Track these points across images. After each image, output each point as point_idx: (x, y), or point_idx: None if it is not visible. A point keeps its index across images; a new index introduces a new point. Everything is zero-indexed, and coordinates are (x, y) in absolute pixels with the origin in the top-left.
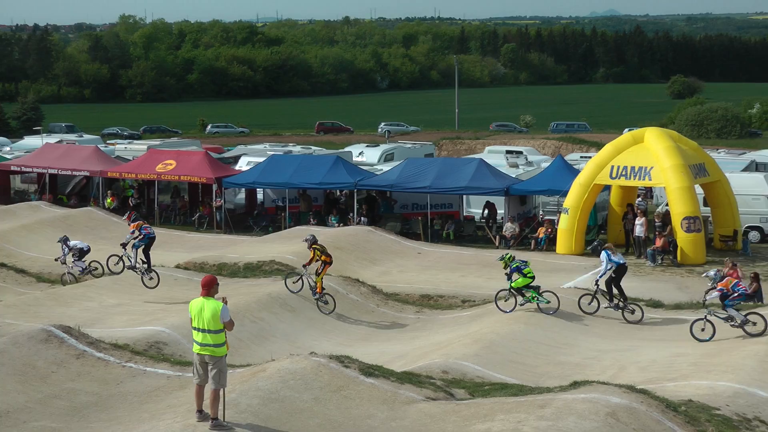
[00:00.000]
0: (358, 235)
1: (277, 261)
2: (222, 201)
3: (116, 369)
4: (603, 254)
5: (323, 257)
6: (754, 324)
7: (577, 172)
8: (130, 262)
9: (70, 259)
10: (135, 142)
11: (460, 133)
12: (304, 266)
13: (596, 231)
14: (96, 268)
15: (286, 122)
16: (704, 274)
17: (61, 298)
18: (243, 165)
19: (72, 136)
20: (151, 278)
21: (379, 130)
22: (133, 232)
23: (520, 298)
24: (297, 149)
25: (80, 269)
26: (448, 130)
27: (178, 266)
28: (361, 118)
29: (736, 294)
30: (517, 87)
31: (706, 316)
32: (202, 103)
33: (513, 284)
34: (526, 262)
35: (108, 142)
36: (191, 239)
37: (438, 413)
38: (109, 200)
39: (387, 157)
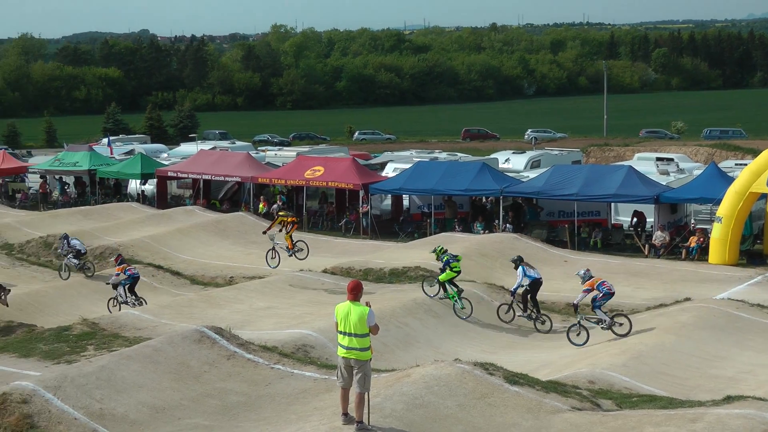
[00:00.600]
0: (503, 242)
1: (423, 267)
2: (368, 207)
3: (265, 370)
4: (519, 269)
5: (290, 218)
6: (621, 325)
7: (731, 179)
8: (123, 298)
9: (69, 255)
10: (284, 148)
11: (609, 139)
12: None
13: (751, 241)
14: (89, 269)
15: (433, 129)
16: (576, 273)
17: (213, 300)
18: (389, 171)
19: (225, 143)
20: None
21: (526, 136)
22: (118, 274)
23: (442, 292)
24: (443, 156)
25: (75, 264)
26: (596, 137)
27: (325, 271)
28: (507, 125)
29: (601, 294)
30: (668, 92)
31: (579, 322)
32: (349, 110)
33: (440, 277)
34: (456, 257)
35: (259, 148)
36: (338, 244)
37: (584, 424)
38: (261, 206)
39: (533, 164)
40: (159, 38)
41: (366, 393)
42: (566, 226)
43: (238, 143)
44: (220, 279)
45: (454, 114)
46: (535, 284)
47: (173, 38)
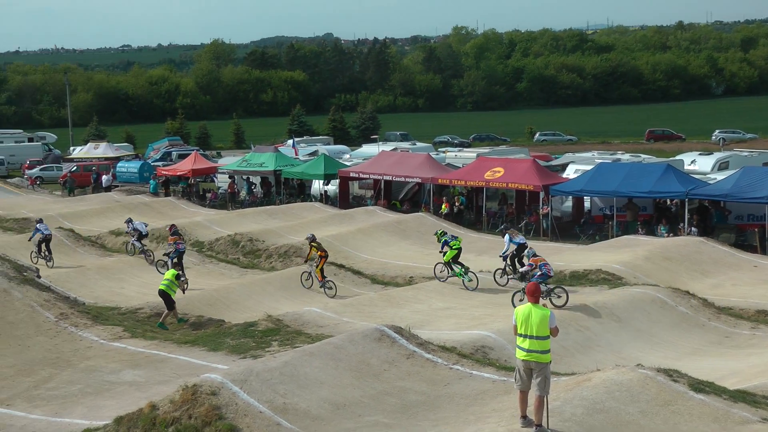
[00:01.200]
0: (688, 246)
1: (604, 270)
2: (549, 208)
3: (444, 370)
4: (506, 237)
5: (319, 252)
6: (559, 297)
7: None
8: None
9: (133, 237)
10: (465, 150)
11: None
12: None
13: None
14: (149, 254)
15: (615, 130)
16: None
17: (393, 300)
18: (570, 173)
19: (406, 144)
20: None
21: (713, 137)
22: (170, 244)
23: (449, 271)
24: (626, 157)
25: (138, 246)
26: None
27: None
28: (693, 126)
29: (539, 272)
30: None
31: (522, 289)
32: (530, 111)
33: (444, 258)
34: (456, 237)
35: (439, 149)
36: None
37: None
38: (443, 206)
39: (721, 166)
40: (342, 41)
41: (545, 396)
42: (756, 230)
43: (419, 144)
44: (399, 279)
45: (638, 114)
46: (521, 248)
47: (356, 41)
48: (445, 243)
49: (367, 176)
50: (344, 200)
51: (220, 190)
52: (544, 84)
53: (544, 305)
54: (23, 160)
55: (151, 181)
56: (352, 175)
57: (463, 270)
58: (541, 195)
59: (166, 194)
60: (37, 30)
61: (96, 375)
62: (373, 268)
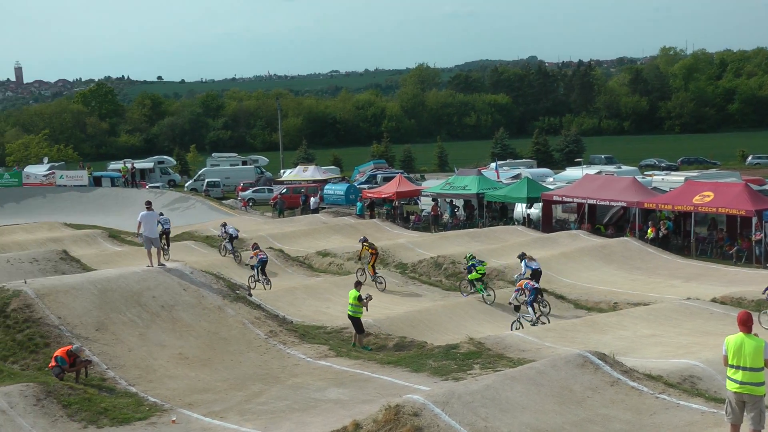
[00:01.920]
0: None
1: None
2: (762, 234)
3: (649, 399)
4: (523, 262)
5: (371, 250)
6: (543, 323)
7: None
8: (256, 277)
9: (225, 240)
10: (672, 173)
11: None
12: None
13: None
14: (238, 256)
15: None
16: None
17: (596, 325)
18: None
19: (610, 168)
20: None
21: None
22: (251, 258)
23: (471, 287)
24: None
25: (229, 249)
26: None
27: (713, 300)
28: None
29: (527, 291)
30: None
31: (519, 318)
32: (742, 134)
33: (469, 276)
34: (482, 262)
35: (645, 173)
36: (728, 273)
37: None
38: (649, 231)
39: None
40: (547, 64)
41: (761, 431)
42: None
43: (624, 168)
44: (603, 304)
45: None
46: (536, 274)
47: (560, 63)
48: (473, 266)
49: (571, 200)
50: (547, 224)
51: (423, 213)
52: (757, 105)
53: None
54: (237, 182)
55: (358, 204)
56: (555, 198)
57: (483, 286)
58: (754, 220)
59: (371, 216)
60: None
61: (303, 392)
62: (576, 293)
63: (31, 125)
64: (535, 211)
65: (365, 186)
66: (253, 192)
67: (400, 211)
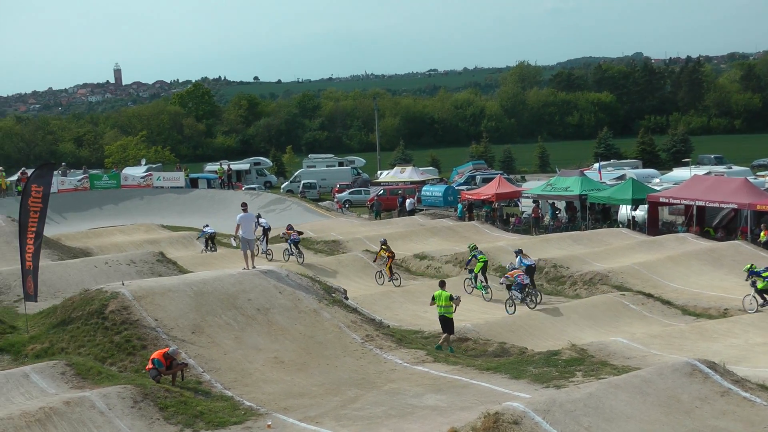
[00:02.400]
0: None
1: None
2: None
3: (764, 411)
4: (518, 258)
5: (387, 253)
6: (532, 301)
7: None
8: (290, 251)
9: (259, 232)
10: None
11: None
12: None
13: None
14: (270, 253)
15: None
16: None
17: (705, 333)
18: None
19: (720, 168)
20: None
21: None
22: (284, 234)
23: (474, 282)
24: None
25: (261, 241)
26: None
27: None
28: None
29: (515, 283)
30: None
31: (511, 297)
32: None
33: (475, 269)
34: (483, 253)
35: (758, 173)
36: None
37: None
38: (762, 235)
39: None
40: (653, 60)
41: None
42: None
43: (735, 168)
44: (713, 310)
45: None
46: (530, 270)
47: (667, 60)
48: (474, 257)
49: (679, 201)
50: (653, 226)
51: (523, 215)
52: None
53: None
54: (334, 183)
55: (459, 205)
56: (662, 200)
57: (483, 284)
58: None
59: (470, 218)
60: (349, 57)
61: (399, 398)
62: (684, 299)
63: (129, 127)
64: (641, 213)
65: (464, 187)
66: (350, 193)
67: (499, 213)
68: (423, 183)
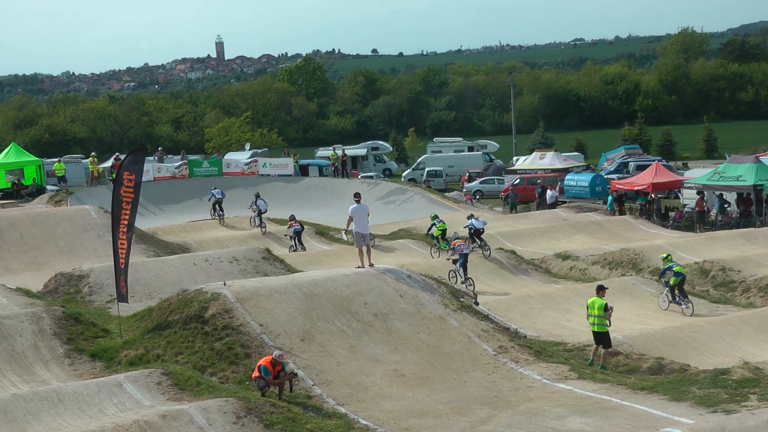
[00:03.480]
0: None
1: None
2: None
3: None
4: (469, 222)
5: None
6: (469, 286)
7: None
8: (294, 247)
9: (254, 213)
10: None
11: None
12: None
13: None
14: (264, 227)
15: None
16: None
17: None
18: None
19: None
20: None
21: None
22: (288, 228)
23: (438, 244)
24: None
25: (257, 222)
26: None
27: None
28: None
29: (457, 253)
30: None
31: (456, 270)
32: None
33: (434, 233)
34: (442, 221)
35: None
36: None
37: None
38: None
39: None
40: None
41: None
42: None
43: None
44: None
45: None
46: (477, 232)
47: None
48: (433, 225)
49: None
50: None
51: (686, 209)
52: None
53: None
54: (462, 171)
55: (608, 197)
56: None
57: (447, 245)
58: None
59: (621, 212)
60: (481, 26)
61: (538, 419)
62: None
63: (232, 107)
64: None
65: (614, 176)
66: (481, 183)
67: (657, 207)
68: (566, 171)
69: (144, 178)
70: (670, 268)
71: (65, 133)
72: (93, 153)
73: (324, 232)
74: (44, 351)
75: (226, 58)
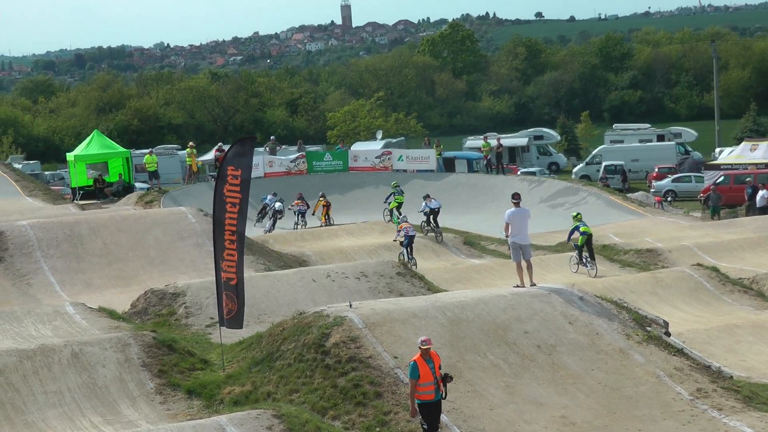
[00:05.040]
0: None
1: None
2: None
3: None
4: (423, 203)
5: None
6: (414, 266)
7: None
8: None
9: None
10: None
11: None
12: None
13: None
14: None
15: None
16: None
17: None
18: None
19: None
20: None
21: None
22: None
23: (391, 216)
24: None
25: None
26: None
27: None
28: None
29: (403, 235)
30: None
31: (403, 252)
32: None
33: (390, 206)
34: (402, 193)
35: None
36: None
37: None
38: None
39: None
40: None
41: None
42: None
43: None
44: None
45: None
46: (433, 211)
47: None
48: (392, 194)
49: None
50: None
51: None
52: None
53: None
54: (649, 166)
55: None
56: None
57: (399, 217)
58: None
59: None
60: None
61: None
62: None
63: (360, 86)
64: None
65: None
66: (674, 181)
67: None
68: None
69: (252, 174)
70: (577, 228)
71: (158, 119)
72: (191, 143)
73: (473, 242)
74: (131, 385)
75: (353, 26)
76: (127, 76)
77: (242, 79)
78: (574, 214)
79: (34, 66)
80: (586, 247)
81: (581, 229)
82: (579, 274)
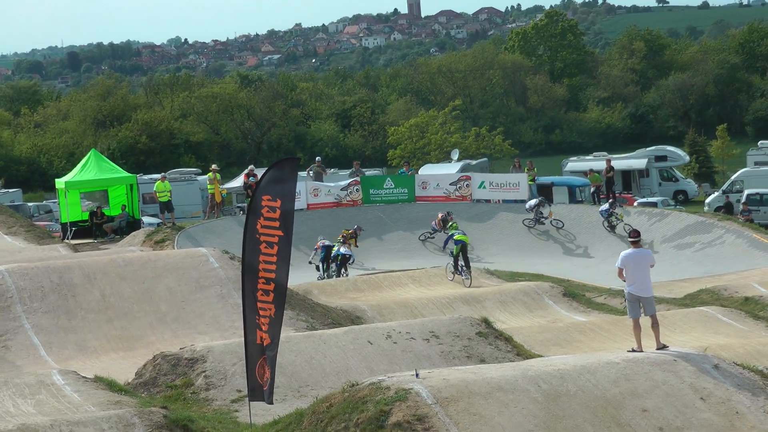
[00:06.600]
0: None
1: None
2: None
3: None
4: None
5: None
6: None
7: None
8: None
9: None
10: None
11: None
12: None
13: None
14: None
15: None
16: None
17: None
18: None
19: None
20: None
21: None
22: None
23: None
24: None
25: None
26: None
27: None
28: None
29: (319, 250)
30: None
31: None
32: None
33: (454, 251)
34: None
35: None
36: None
37: None
38: None
39: None
40: None
41: None
42: None
43: None
44: None
45: None
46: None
47: None
48: (451, 237)
49: None
50: None
51: None
52: None
53: None
54: None
55: None
56: None
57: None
58: None
59: None
60: None
61: None
62: None
63: (431, 92)
64: None
65: None
66: None
67: None
68: None
69: (295, 206)
70: (451, 236)
71: (172, 135)
72: (214, 165)
73: (576, 293)
74: None
75: (423, 15)
76: (134, 80)
77: (280, 84)
78: (450, 223)
79: (15, 68)
80: (461, 256)
81: (456, 237)
82: (455, 282)
